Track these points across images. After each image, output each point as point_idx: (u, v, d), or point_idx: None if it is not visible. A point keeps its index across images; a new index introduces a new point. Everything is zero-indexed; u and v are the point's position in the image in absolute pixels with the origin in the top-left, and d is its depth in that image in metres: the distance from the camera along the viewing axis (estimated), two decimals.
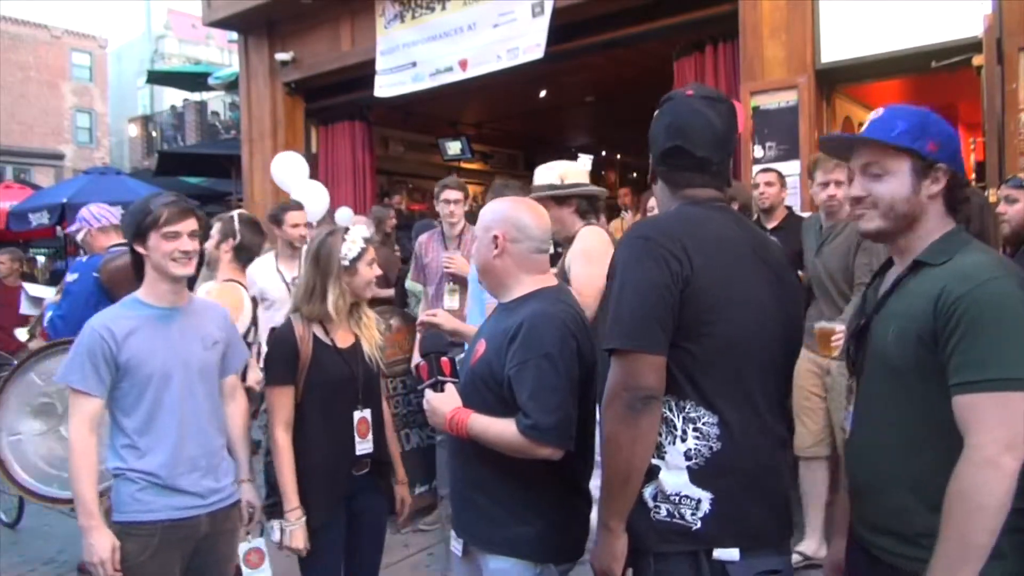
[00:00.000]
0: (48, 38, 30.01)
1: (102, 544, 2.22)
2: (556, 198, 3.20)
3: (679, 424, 1.65)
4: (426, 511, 4.61)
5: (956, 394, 1.41)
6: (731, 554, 1.63)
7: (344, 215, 6.47)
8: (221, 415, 2.54)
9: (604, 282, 3.40)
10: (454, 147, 10.43)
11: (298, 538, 2.49)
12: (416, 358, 3.69)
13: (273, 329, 2.73)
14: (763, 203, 4.38)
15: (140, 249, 2.35)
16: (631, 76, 7.72)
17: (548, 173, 3.31)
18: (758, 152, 5.21)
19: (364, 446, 2.61)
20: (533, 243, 2.09)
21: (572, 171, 3.35)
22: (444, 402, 2.05)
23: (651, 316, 1.59)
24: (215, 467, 2.44)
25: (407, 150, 10.74)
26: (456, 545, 2.14)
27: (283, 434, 2.55)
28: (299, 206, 4.80)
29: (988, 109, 4.23)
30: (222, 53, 29.78)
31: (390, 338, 4.40)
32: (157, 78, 22.87)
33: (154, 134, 21.40)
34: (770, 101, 5.17)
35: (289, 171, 6.81)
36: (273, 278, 4.50)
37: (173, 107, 21.38)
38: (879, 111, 1.65)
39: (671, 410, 1.65)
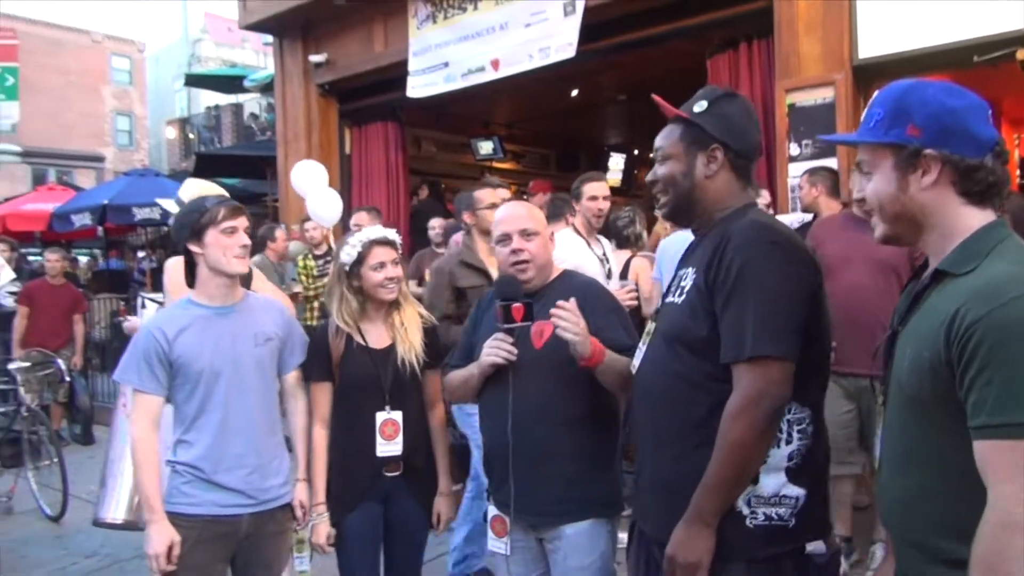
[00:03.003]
0: (89, 43, 30.72)
1: (160, 538, 2.27)
2: None
3: (784, 427, 1.66)
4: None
5: (976, 439, 1.18)
6: (818, 546, 1.67)
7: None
8: (275, 412, 2.54)
9: None
10: (486, 147, 10.43)
11: (319, 533, 2.56)
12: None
13: None
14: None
15: (195, 248, 2.39)
16: (663, 74, 7.57)
17: (187, 189, 3.67)
18: (794, 150, 5.14)
19: (388, 448, 2.58)
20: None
21: (208, 190, 3.57)
22: (584, 333, 2.06)
23: (797, 325, 1.61)
24: (265, 465, 2.44)
25: (439, 150, 10.76)
26: (499, 544, 2.18)
27: (319, 429, 2.63)
28: (599, 176, 4.52)
29: None
30: (257, 56, 30.10)
31: None
32: (194, 81, 23.19)
33: (191, 136, 21.70)
34: (806, 98, 5.09)
35: (308, 178, 6.61)
36: (587, 256, 4.24)
37: (208, 108, 21.66)
38: (874, 96, 1.44)
39: None
